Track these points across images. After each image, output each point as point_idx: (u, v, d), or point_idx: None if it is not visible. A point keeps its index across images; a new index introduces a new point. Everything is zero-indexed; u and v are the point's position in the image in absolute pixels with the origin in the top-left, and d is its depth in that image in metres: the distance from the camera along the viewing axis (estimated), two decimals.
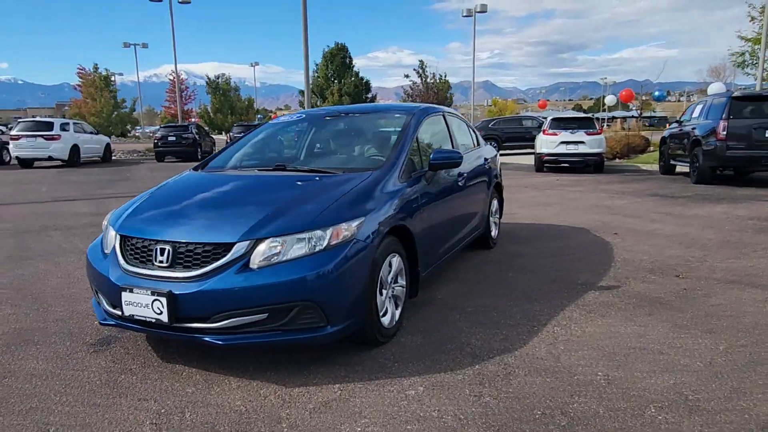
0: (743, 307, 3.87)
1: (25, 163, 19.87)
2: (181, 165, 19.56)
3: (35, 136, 19.39)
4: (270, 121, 4.93)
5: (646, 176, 13.93)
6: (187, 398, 2.66)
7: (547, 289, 4.37)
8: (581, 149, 15.19)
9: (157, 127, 26.59)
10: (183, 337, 2.78)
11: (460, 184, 4.56)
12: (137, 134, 39.60)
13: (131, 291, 2.77)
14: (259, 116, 34.19)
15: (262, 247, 2.74)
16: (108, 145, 23.55)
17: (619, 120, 42.95)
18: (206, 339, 2.69)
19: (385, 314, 3.25)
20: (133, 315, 2.80)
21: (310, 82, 33.66)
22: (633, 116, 32.75)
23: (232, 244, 2.74)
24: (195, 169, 4.05)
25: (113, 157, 24.47)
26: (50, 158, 19.62)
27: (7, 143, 20.31)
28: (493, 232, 5.85)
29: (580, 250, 5.68)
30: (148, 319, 2.76)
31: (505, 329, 3.51)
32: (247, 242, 2.73)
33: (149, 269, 2.83)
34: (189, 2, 25.97)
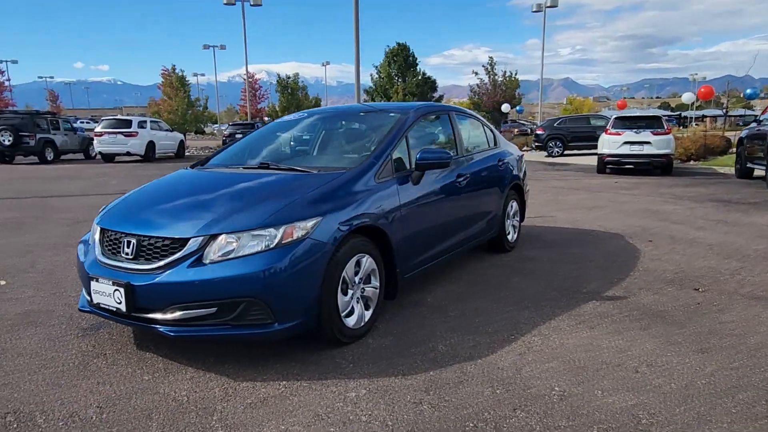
0: (756, 326, 3.51)
1: (107, 157, 21.42)
2: None
3: (115, 133, 20.87)
4: (275, 121, 5.04)
5: (717, 180, 12.92)
6: (140, 385, 2.79)
7: (547, 296, 4.18)
8: (646, 150, 14.33)
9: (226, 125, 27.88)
10: (140, 327, 2.91)
11: (460, 185, 4.45)
12: (214, 131, 41.60)
13: (97, 280, 2.94)
14: (266, 118, 34.52)
15: (216, 243, 2.81)
16: (182, 142, 24.91)
17: (708, 119, 40.06)
18: (160, 329, 2.80)
19: (350, 314, 3.24)
20: (99, 303, 2.97)
21: (374, 82, 33.99)
22: (722, 115, 30.44)
23: (187, 240, 2.83)
24: (192, 166, 4.21)
25: (186, 153, 25.83)
26: (128, 153, 21.05)
27: (92, 139, 21.98)
28: (511, 236, 5.65)
29: (603, 257, 5.37)
30: (110, 308, 2.91)
31: (480, 336, 3.39)
32: (201, 238, 2.82)
33: (116, 260, 2.99)
34: (260, 5, 27.00)
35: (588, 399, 2.59)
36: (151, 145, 21.53)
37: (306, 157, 4.30)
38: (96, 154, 22.24)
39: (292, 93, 32.24)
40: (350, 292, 3.23)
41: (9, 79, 37.21)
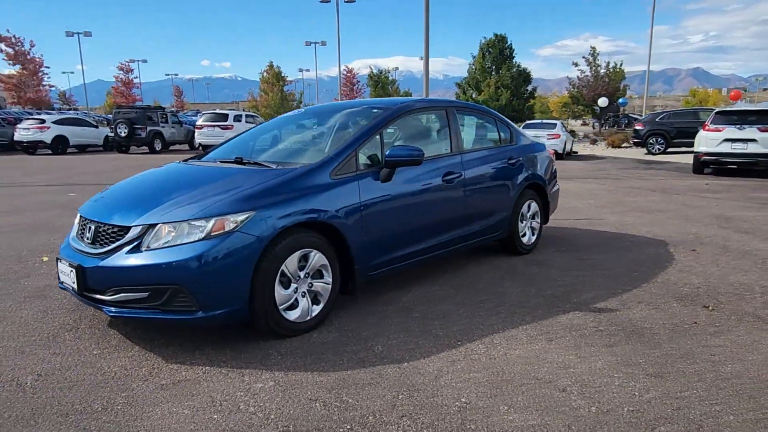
0: (744, 353, 3.08)
1: (207, 148, 23.11)
2: None
3: (213, 125, 22.48)
4: (279, 116, 5.20)
5: None
6: (86, 358, 3.06)
7: (528, 304, 3.95)
8: (751, 149, 12.80)
9: None
10: (92, 305, 3.18)
11: (450, 183, 4.31)
12: None
13: (61, 261, 3.26)
14: None
15: (153, 232, 3.00)
16: None
17: None
18: (104, 309, 3.05)
19: (292, 308, 3.29)
20: (64, 282, 3.29)
21: (467, 75, 33.37)
22: None
23: (129, 228, 3.05)
24: (185, 160, 4.47)
25: None
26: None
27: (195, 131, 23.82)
28: (527, 238, 5.38)
29: (624, 266, 4.95)
30: (70, 287, 3.22)
31: (426, 340, 3.30)
32: (140, 227, 3.02)
33: (80, 245, 3.29)
34: (353, 1, 27.62)
35: (487, 414, 2.45)
36: None
37: (281, 152, 4.40)
38: (198, 145, 24.08)
39: (383, 87, 32.64)
40: (293, 285, 3.29)
41: (137, 77, 41.35)
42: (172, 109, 31.39)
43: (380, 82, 32.44)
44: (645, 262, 5.06)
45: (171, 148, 24.43)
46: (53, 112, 29.27)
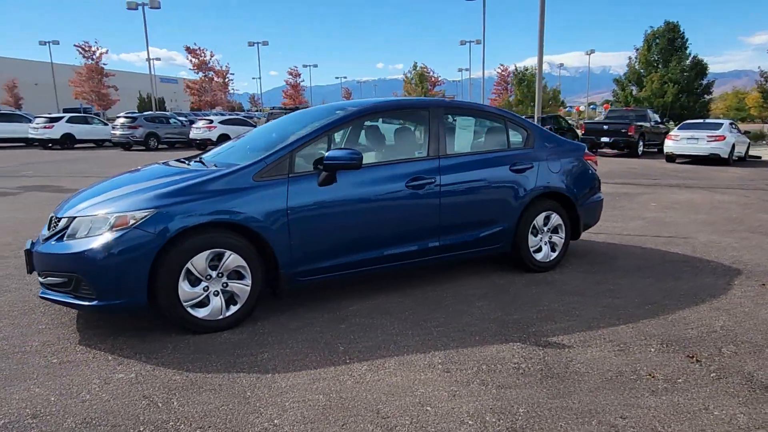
0: (661, 423, 2.41)
1: None
2: None
3: None
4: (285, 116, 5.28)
5: None
6: (27, 329, 3.49)
7: (473, 327, 3.54)
8: None
9: None
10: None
11: (419, 188, 4.02)
12: None
13: (25, 247, 3.74)
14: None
15: (74, 224, 3.31)
16: None
17: None
18: (41, 290, 3.45)
19: (201, 306, 3.38)
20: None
21: (627, 70, 30.27)
22: None
23: (59, 219, 3.41)
24: (178, 159, 4.70)
25: None
26: None
27: None
28: (542, 254, 4.77)
29: (648, 296, 4.15)
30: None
31: (319, 353, 3.15)
32: (66, 219, 3.35)
33: (42, 234, 3.74)
34: None
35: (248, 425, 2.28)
36: None
37: (239, 153, 4.41)
38: None
39: (528, 85, 30.89)
40: (203, 284, 3.37)
41: (303, 80, 45.16)
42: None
43: (524, 79, 30.87)
44: (677, 295, 4.18)
45: None
46: (226, 113, 33.21)
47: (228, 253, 3.41)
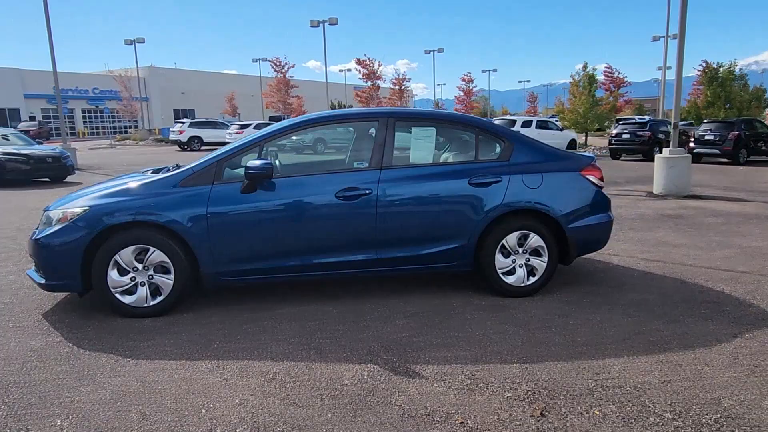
0: None
1: None
2: (638, 164, 18.66)
3: None
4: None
5: None
6: (26, 306, 4.38)
7: (346, 345, 3.46)
8: None
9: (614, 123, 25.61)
10: None
11: (349, 199, 4.02)
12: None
13: None
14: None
15: (44, 217, 4.06)
16: (572, 141, 24.89)
17: None
18: None
19: (129, 293, 3.89)
20: None
21: None
22: None
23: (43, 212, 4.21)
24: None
25: (581, 151, 25.52)
26: None
27: None
28: (515, 278, 4.32)
29: (602, 338, 3.58)
30: None
31: (194, 348, 3.43)
32: (46, 212, 4.13)
33: None
34: None
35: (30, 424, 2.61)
36: None
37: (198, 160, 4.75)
38: None
39: (722, 84, 25.96)
40: (130, 274, 3.88)
41: (476, 86, 45.04)
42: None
43: (718, 77, 26.11)
44: (642, 340, 3.51)
45: None
46: None
47: (152, 249, 3.86)
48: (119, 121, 51.52)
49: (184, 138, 29.31)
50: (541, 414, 2.61)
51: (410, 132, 4.43)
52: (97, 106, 51.90)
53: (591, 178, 4.52)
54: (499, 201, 4.25)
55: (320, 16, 31.80)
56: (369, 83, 35.90)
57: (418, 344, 3.47)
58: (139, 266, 3.90)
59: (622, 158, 22.21)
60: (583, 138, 28.24)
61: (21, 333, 3.68)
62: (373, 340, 3.53)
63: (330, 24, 32.18)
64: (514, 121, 23.47)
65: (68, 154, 14.31)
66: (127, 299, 3.91)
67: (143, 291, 3.92)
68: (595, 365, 3.15)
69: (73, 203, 3.96)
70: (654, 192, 10.81)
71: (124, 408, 2.68)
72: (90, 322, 3.84)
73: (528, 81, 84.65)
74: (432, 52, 46.94)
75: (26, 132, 39.86)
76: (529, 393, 2.82)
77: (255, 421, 2.55)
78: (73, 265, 3.82)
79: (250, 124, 29.13)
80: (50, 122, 45.20)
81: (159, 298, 3.95)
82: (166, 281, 3.93)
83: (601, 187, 4.59)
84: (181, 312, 4.02)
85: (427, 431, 2.48)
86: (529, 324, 3.80)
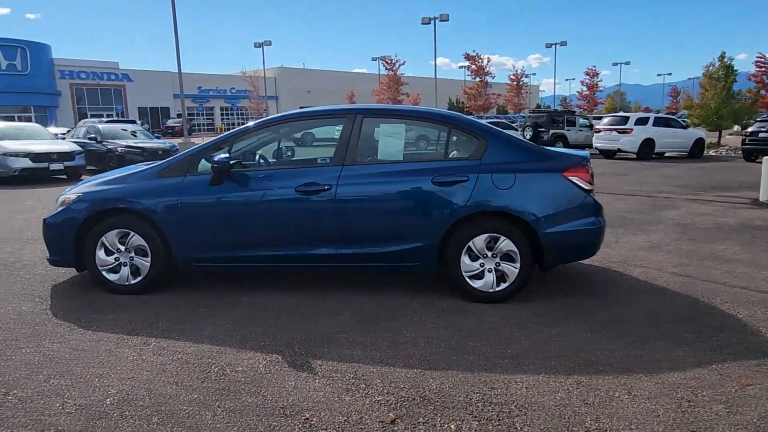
0: None
1: (605, 153, 22.18)
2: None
3: (611, 129, 21.37)
4: None
5: None
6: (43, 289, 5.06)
7: (265, 337, 3.56)
8: None
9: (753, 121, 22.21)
10: None
11: (308, 194, 4.10)
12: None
13: None
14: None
15: (58, 201, 4.65)
16: (699, 140, 22.34)
17: None
18: None
19: (114, 272, 4.34)
20: None
21: None
22: None
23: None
24: None
25: (711, 153, 22.82)
26: (619, 150, 21.11)
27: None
28: (483, 282, 4.11)
29: (526, 351, 3.32)
30: None
31: (138, 323, 3.74)
32: (59, 197, 4.73)
33: None
34: None
35: None
36: (647, 142, 20.70)
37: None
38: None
39: None
40: (114, 255, 4.33)
41: (600, 80, 42.12)
42: (585, 114, 30.93)
43: None
44: (548, 352, 3.20)
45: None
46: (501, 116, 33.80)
47: (132, 233, 4.28)
48: (251, 118, 56.05)
49: None
50: (391, 421, 2.52)
51: (380, 129, 4.39)
52: (232, 105, 56.91)
53: (575, 180, 4.14)
54: (464, 201, 4.07)
55: (445, 11, 31.58)
56: (477, 79, 35.21)
57: (339, 341, 3.47)
58: (122, 248, 4.33)
59: (758, 160, 19.46)
60: (716, 137, 25.20)
61: (22, 298, 4.28)
62: (300, 333, 3.59)
63: (441, 21, 32.10)
64: (627, 118, 21.65)
65: (178, 147, 15.96)
66: (111, 277, 4.36)
67: (125, 271, 4.35)
68: (501, 380, 2.94)
69: (73, 190, 4.50)
70: (760, 199, 9.46)
71: (39, 370, 3.05)
72: (83, 297, 4.34)
73: (669, 74, 76.90)
74: (554, 46, 44.71)
75: (172, 128, 45.22)
76: (401, 399, 2.72)
77: (127, 394, 2.77)
78: (68, 243, 4.35)
79: None
80: (193, 119, 50.49)
81: (138, 278, 4.36)
82: (144, 263, 4.33)
83: (589, 191, 4.18)
84: (159, 293, 4.39)
85: (268, 422, 2.51)
86: (472, 332, 3.62)
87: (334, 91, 58.09)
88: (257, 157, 4.65)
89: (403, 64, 38.49)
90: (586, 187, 4.16)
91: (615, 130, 21.19)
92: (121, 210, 4.30)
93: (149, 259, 4.31)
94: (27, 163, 12.55)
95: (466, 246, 4.12)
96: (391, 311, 3.99)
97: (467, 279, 4.16)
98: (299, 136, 5.11)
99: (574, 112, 27.56)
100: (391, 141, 4.38)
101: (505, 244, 4.09)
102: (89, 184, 4.52)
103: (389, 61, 38.84)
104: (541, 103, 71.59)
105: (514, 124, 28.19)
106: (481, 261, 4.14)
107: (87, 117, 35.54)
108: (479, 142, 4.23)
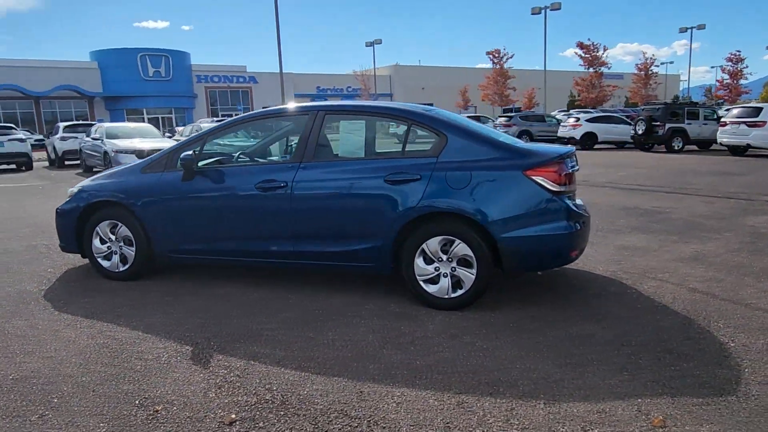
0: None
1: (732, 150, 19.59)
2: None
3: (738, 122, 18.87)
4: None
5: None
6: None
7: (212, 328, 3.65)
8: None
9: None
10: None
11: (266, 191, 4.14)
12: None
13: None
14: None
15: (68, 193, 5.17)
16: None
17: None
18: None
19: (107, 259, 4.74)
20: None
21: None
22: None
23: None
24: None
25: None
26: (748, 146, 18.56)
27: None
28: (437, 287, 3.87)
29: (459, 364, 3.08)
30: None
31: (108, 310, 4.05)
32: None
33: None
34: None
35: None
36: None
37: None
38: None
39: None
40: (107, 244, 4.73)
41: (746, 67, 37.05)
42: (711, 105, 27.21)
43: None
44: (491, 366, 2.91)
45: (688, 148, 21.55)
46: (615, 110, 31.14)
47: (120, 224, 4.64)
48: None
49: None
50: (230, 423, 2.48)
51: (340, 126, 4.30)
52: None
53: (539, 179, 3.73)
54: (416, 201, 3.86)
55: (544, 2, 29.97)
56: (591, 70, 32.75)
57: (262, 338, 3.47)
58: (113, 237, 4.71)
59: None
60: None
61: (34, 279, 4.83)
62: (233, 328, 3.64)
63: (552, 9, 30.37)
64: (759, 110, 18.95)
65: None
66: (105, 263, 4.77)
67: (116, 258, 4.74)
68: (379, 392, 2.75)
69: (79, 184, 4.99)
70: None
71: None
72: (84, 281, 4.80)
73: None
74: (690, 30, 40.17)
75: None
76: (260, 402, 2.66)
77: (33, 372, 3.02)
78: (71, 231, 4.83)
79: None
80: None
81: (126, 266, 4.72)
82: (131, 252, 4.67)
83: (558, 192, 3.74)
84: (147, 279, 4.72)
85: (120, 410, 2.60)
86: (398, 339, 3.43)
87: (447, 86, 57.68)
88: (237, 155, 4.80)
89: (511, 57, 37.12)
90: (553, 188, 3.73)
91: (744, 122, 18.66)
92: (112, 203, 4.67)
93: (134, 249, 4.64)
94: (133, 159, 14.10)
95: (420, 248, 3.90)
96: (338, 312, 3.91)
97: (421, 283, 3.94)
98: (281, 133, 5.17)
99: (697, 103, 24.63)
100: (352, 138, 4.28)
101: (461, 247, 3.81)
102: (90, 179, 4.98)
103: (497, 55, 37.66)
104: (680, 95, 64.97)
105: (628, 119, 25.86)
106: (435, 265, 3.90)
107: (218, 116, 38.90)
108: (439, 138, 3.98)
